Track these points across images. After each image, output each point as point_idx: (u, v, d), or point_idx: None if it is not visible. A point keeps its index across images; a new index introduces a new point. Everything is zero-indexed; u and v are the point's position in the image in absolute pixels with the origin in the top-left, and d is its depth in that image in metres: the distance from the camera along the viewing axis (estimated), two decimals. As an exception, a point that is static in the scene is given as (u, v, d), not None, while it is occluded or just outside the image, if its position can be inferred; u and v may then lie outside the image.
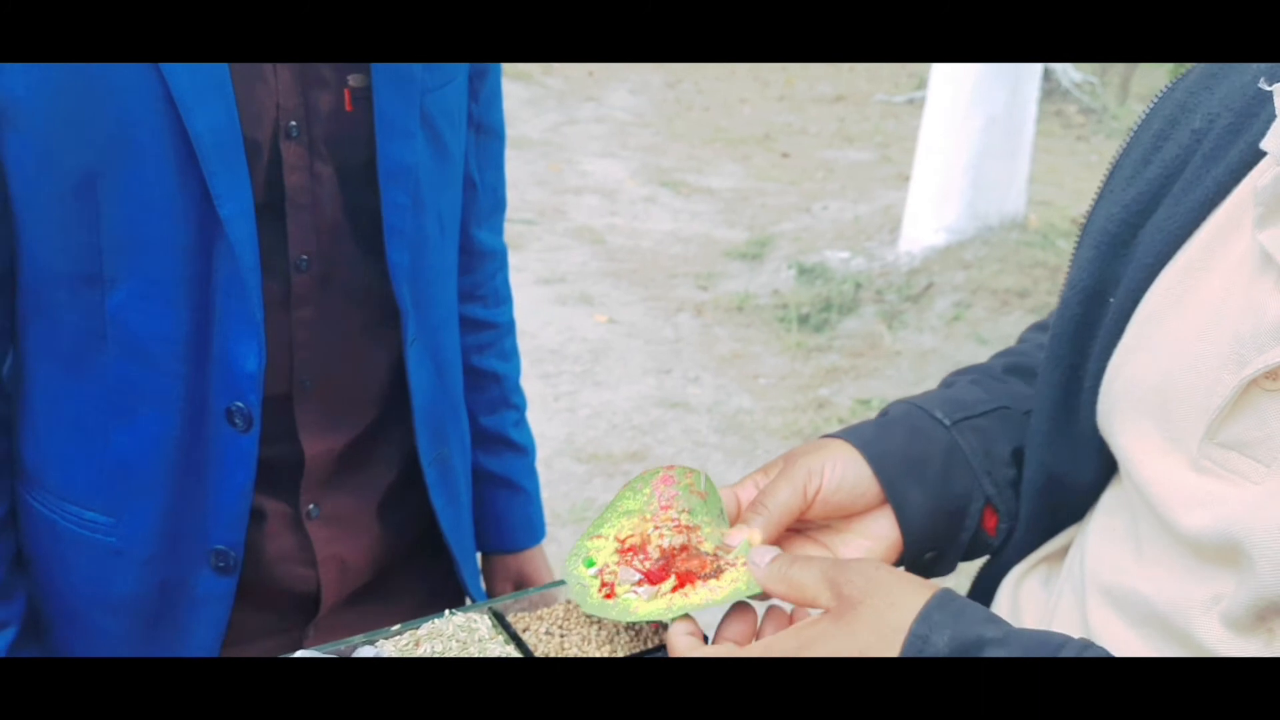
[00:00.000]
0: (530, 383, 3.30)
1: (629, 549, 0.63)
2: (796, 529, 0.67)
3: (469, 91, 0.88)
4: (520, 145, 6.29)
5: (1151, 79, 10.62)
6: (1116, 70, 9.71)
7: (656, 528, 0.64)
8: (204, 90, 0.69)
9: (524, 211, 5.02)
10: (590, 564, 0.63)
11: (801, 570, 0.57)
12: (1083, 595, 0.60)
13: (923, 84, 6.00)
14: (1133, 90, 9.71)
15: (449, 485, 0.93)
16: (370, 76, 0.76)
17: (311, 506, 0.85)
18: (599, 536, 0.65)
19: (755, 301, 4.15)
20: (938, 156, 4.13)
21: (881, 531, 0.67)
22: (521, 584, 1.08)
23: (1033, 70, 4.14)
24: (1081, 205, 4.67)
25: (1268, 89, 0.52)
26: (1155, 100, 0.63)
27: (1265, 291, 0.49)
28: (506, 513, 1.05)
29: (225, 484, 0.79)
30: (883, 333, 3.81)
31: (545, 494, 1.16)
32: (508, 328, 1.05)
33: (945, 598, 0.52)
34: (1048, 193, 5.56)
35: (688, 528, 0.64)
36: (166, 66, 0.68)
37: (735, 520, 0.65)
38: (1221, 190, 0.54)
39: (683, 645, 0.58)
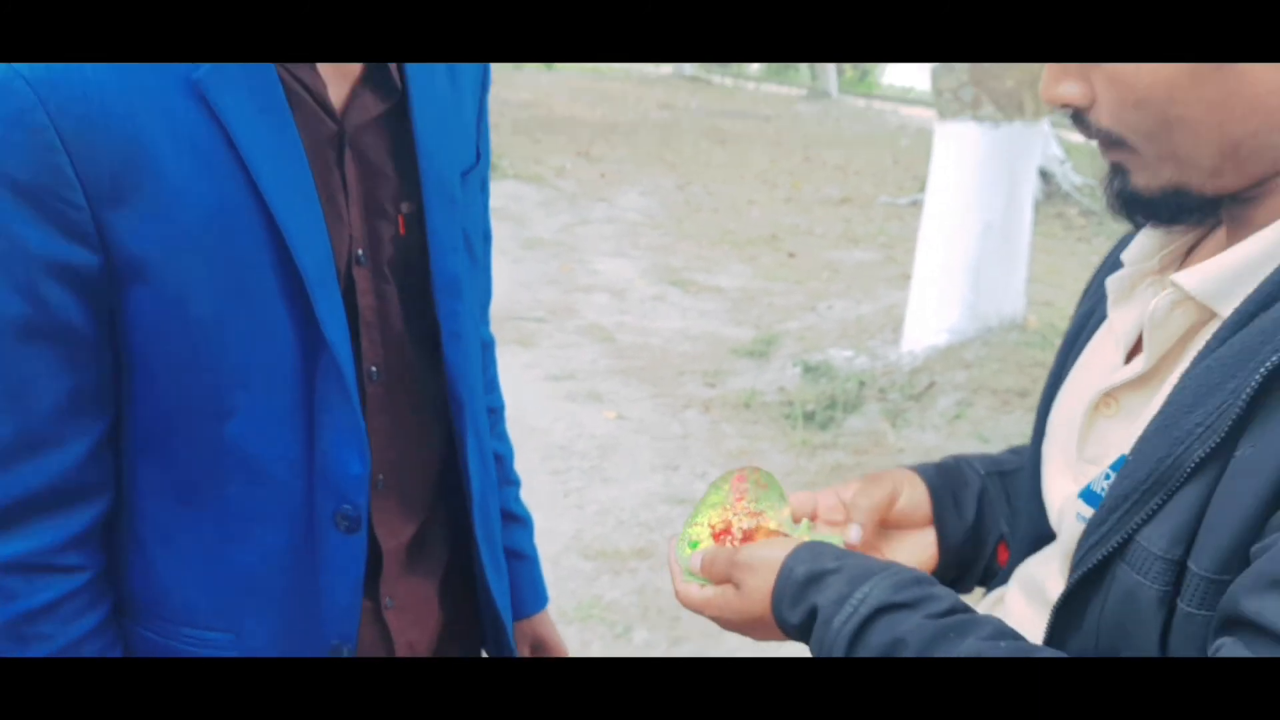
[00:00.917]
0: (539, 479, 3.38)
1: (719, 534, 0.83)
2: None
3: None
4: (533, 246, 6.48)
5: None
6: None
7: (735, 515, 0.84)
8: (307, 229, 0.77)
9: (536, 310, 5.16)
10: (694, 545, 0.83)
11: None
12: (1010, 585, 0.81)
13: (924, 187, 6.18)
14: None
15: (495, 560, 1.01)
16: (416, 203, 0.86)
17: (388, 599, 0.91)
18: (696, 525, 0.85)
19: (761, 399, 4.23)
20: (937, 261, 4.26)
21: (924, 546, 0.86)
22: (539, 646, 1.15)
23: (1028, 179, 4.29)
24: (1081, 306, 4.77)
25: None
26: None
27: (1110, 349, 0.72)
28: (518, 580, 1.12)
29: (338, 583, 0.84)
30: (886, 430, 3.88)
31: (553, 592, 1.23)
32: (502, 411, 1.14)
33: (812, 545, 0.73)
34: (1049, 293, 5.68)
35: (756, 514, 0.84)
36: (278, 209, 0.75)
37: (812, 516, 0.85)
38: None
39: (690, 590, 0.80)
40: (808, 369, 4.41)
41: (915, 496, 0.86)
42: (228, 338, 0.76)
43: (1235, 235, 0.65)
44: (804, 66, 22.51)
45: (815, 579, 0.69)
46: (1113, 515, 0.61)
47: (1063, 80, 0.65)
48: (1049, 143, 8.18)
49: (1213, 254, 0.64)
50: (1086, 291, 0.84)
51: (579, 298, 5.58)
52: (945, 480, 0.88)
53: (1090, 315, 0.79)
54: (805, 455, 3.76)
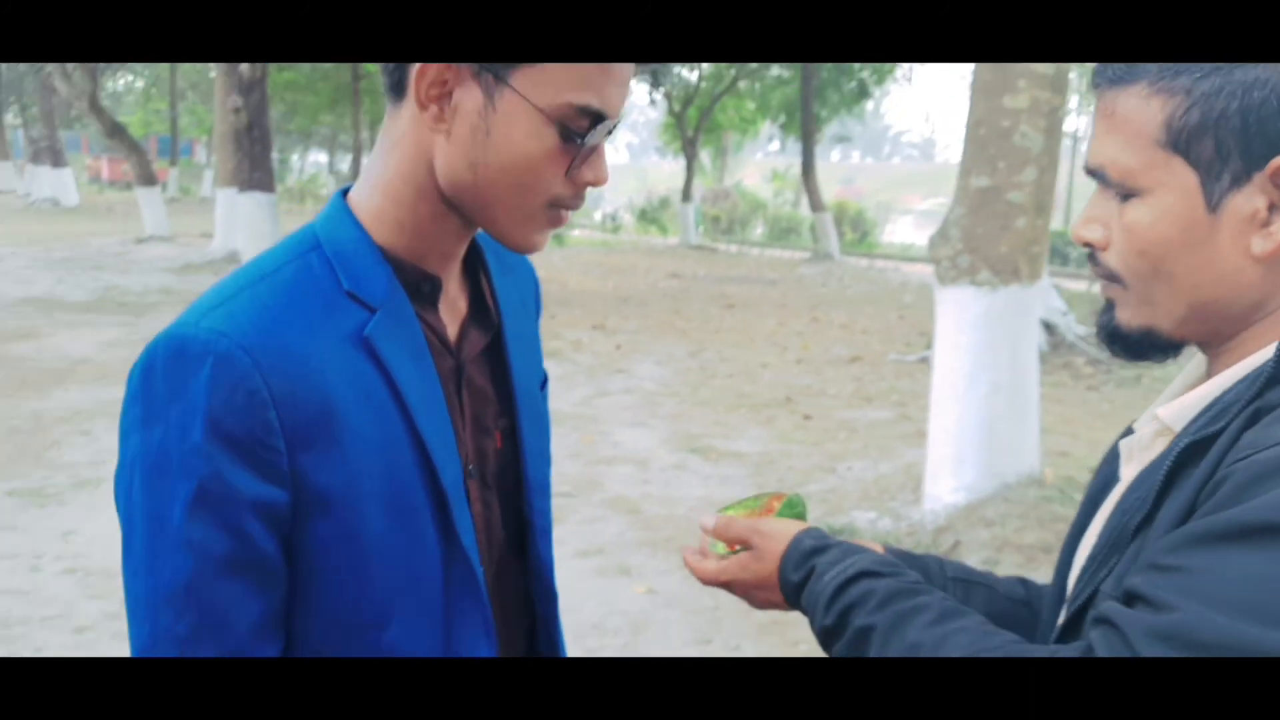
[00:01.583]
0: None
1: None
2: None
3: None
4: (554, 420, 6.56)
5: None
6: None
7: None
8: (448, 452, 0.86)
9: (561, 485, 5.24)
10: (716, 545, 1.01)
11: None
12: None
13: (931, 343, 6.37)
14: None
15: None
16: (510, 419, 0.97)
17: None
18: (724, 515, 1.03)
19: (788, 566, 4.25)
20: (950, 421, 4.36)
21: None
22: None
23: (1030, 337, 4.45)
24: (1096, 454, 4.83)
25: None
26: None
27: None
28: None
29: None
30: (915, 593, 3.89)
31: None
32: None
33: (820, 528, 0.95)
34: (1063, 444, 5.76)
35: None
36: (428, 438, 0.84)
37: None
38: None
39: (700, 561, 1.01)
40: (832, 533, 4.45)
41: None
42: (388, 553, 0.83)
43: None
44: (805, 230, 23.32)
45: (819, 550, 0.92)
46: (1084, 575, 0.80)
47: (1089, 224, 0.82)
48: (1051, 295, 8.44)
49: None
50: (1105, 458, 0.94)
51: (603, 470, 5.67)
52: (908, 559, 1.03)
53: (1109, 479, 0.90)
54: (836, 622, 3.75)
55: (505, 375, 0.97)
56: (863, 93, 20.74)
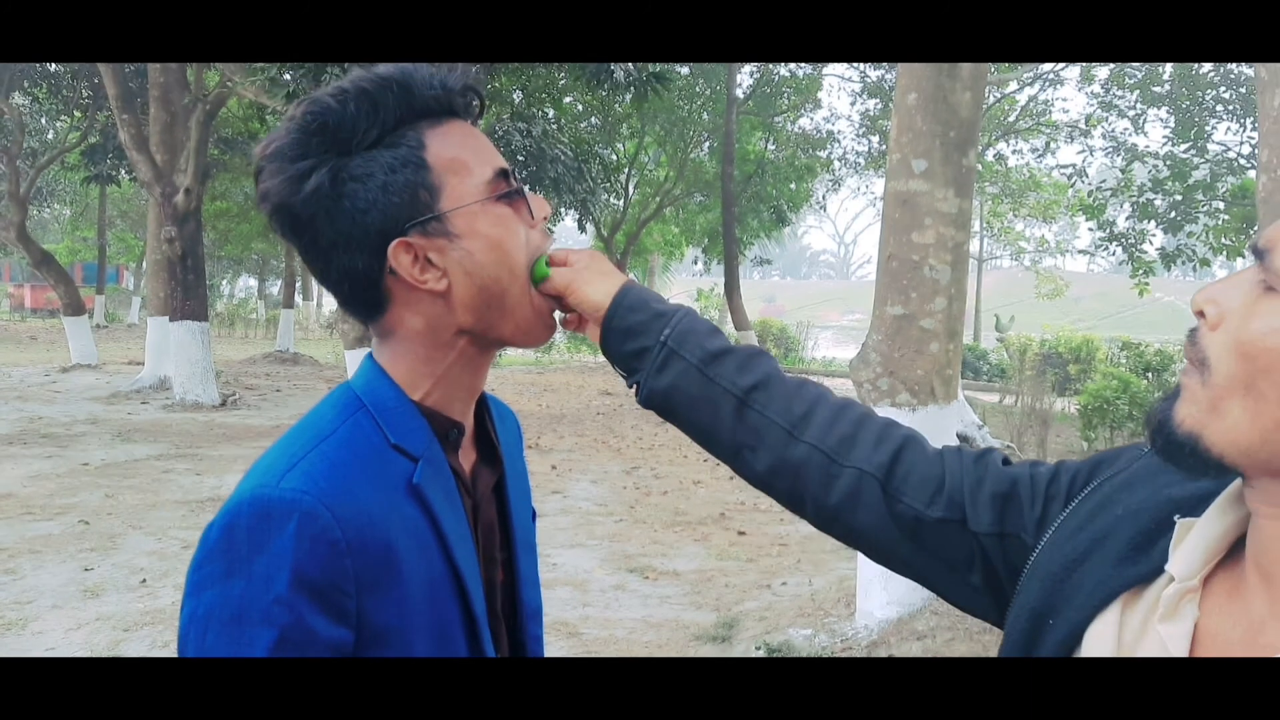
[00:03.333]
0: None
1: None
2: None
3: None
4: (492, 542, 6.65)
5: (1065, 439, 11.60)
6: (1032, 433, 10.65)
7: None
8: (475, 583, 0.93)
9: (501, 609, 5.26)
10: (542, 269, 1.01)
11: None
12: None
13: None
14: (1050, 448, 10.59)
15: None
16: (509, 551, 1.04)
17: None
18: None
19: (730, 684, 4.33)
20: (878, 537, 4.56)
21: None
22: None
23: (948, 454, 4.71)
24: (1017, 566, 5.06)
25: (1176, 519, 0.76)
26: (1091, 489, 0.87)
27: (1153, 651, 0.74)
28: None
29: None
30: (853, 707, 4.00)
31: None
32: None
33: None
34: (986, 555, 6.00)
35: None
36: (464, 573, 0.91)
37: None
38: (1133, 582, 0.77)
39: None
40: (770, 650, 4.57)
41: None
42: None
43: (1260, 569, 0.71)
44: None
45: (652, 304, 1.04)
46: None
47: (1213, 300, 0.70)
48: (964, 409, 8.84)
49: (1234, 590, 0.72)
50: (1089, 513, 0.85)
51: (543, 594, 5.71)
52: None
53: (1091, 551, 0.81)
54: (779, 739, 3.84)
55: (506, 511, 1.05)
56: (781, 219, 21.69)
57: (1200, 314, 0.70)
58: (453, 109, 0.95)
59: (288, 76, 9.07)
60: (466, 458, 1.01)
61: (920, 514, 0.94)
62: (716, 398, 1.01)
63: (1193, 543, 0.74)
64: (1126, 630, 0.75)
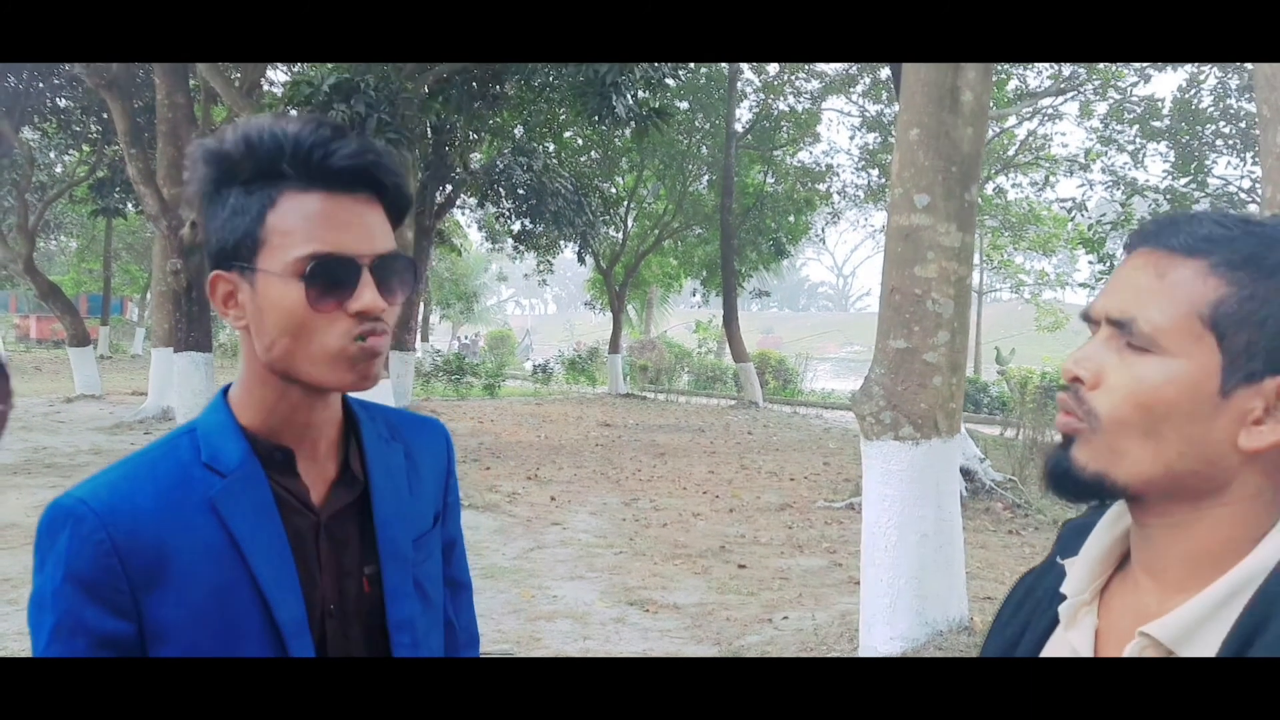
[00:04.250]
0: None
1: None
2: None
3: (443, 559, 1.23)
4: (492, 574, 6.62)
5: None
6: (1034, 466, 10.62)
7: None
8: (284, 591, 1.02)
9: (500, 642, 5.23)
10: None
11: None
12: None
13: (859, 490, 6.61)
14: (1050, 481, 10.54)
15: None
16: (376, 565, 1.10)
17: None
18: None
19: None
20: (883, 571, 4.55)
21: None
22: None
23: (952, 488, 4.72)
24: (1020, 600, 5.05)
25: (1057, 559, 0.94)
26: (1017, 582, 1.02)
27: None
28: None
29: None
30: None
31: None
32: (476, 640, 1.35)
33: None
34: (988, 589, 5.98)
35: None
36: (264, 583, 1.00)
37: None
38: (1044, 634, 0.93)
39: None
40: (774, 684, 4.54)
41: None
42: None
43: (1150, 572, 0.85)
44: (729, 378, 23.91)
45: None
46: None
47: (1083, 364, 0.83)
48: (966, 443, 8.86)
49: (1129, 593, 0.87)
50: (1016, 603, 0.99)
51: (542, 625, 5.67)
52: None
53: (1026, 626, 0.95)
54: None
55: (370, 530, 1.11)
56: (780, 252, 21.79)
57: (1076, 379, 0.83)
58: (325, 181, 0.99)
59: (294, 113, 9.17)
60: (317, 477, 1.09)
61: None
62: None
63: (1079, 566, 0.90)
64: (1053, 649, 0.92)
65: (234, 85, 11.21)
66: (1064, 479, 0.84)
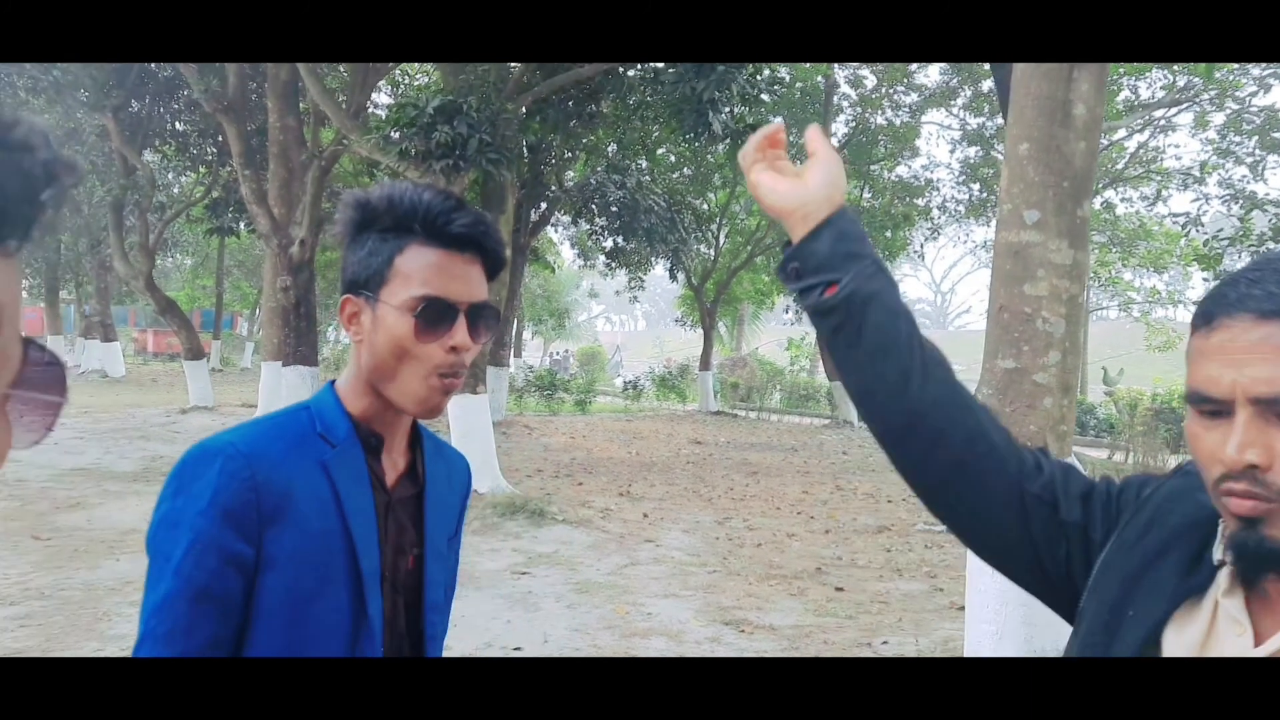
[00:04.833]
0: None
1: None
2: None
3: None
4: (587, 589, 6.64)
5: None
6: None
7: None
8: (370, 552, 1.22)
9: (595, 658, 5.24)
10: None
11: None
12: None
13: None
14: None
15: None
16: (421, 550, 1.32)
17: None
18: None
19: (832, 745, 4.22)
20: (989, 598, 4.41)
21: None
22: None
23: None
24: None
25: (1217, 559, 0.94)
26: (1140, 501, 1.05)
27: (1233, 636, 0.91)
28: None
29: None
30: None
31: None
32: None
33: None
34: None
35: None
36: (357, 538, 1.21)
37: None
38: (1193, 591, 0.95)
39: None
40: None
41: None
42: (314, 611, 1.19)
43: None
44: (822, 396, 23.59)
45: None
46: None
47: (1251, 449, 0.84)
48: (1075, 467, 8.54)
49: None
50: (1146, 522, 1.02)
51: (637, 642, 5.66)
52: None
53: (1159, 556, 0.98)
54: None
55: (421, 521, 1.34)
56: (877, 266, 21.41)
57: (1252, 465, 0.83)
58: (443, 241, 1.23)
59: (396, 135, 9.43)
60: (392, 467, 1.32)
61: (1025, 486, 1.08)
62: (906, 317, 1.12)
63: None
64: (1193, 630, 0.93)
65: (342, 108, 11.59)
66: (1265, 559, 0.86)
